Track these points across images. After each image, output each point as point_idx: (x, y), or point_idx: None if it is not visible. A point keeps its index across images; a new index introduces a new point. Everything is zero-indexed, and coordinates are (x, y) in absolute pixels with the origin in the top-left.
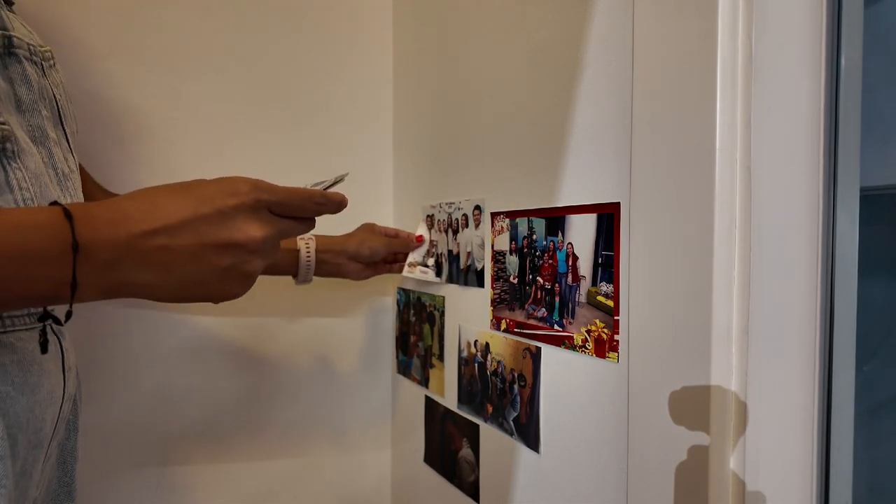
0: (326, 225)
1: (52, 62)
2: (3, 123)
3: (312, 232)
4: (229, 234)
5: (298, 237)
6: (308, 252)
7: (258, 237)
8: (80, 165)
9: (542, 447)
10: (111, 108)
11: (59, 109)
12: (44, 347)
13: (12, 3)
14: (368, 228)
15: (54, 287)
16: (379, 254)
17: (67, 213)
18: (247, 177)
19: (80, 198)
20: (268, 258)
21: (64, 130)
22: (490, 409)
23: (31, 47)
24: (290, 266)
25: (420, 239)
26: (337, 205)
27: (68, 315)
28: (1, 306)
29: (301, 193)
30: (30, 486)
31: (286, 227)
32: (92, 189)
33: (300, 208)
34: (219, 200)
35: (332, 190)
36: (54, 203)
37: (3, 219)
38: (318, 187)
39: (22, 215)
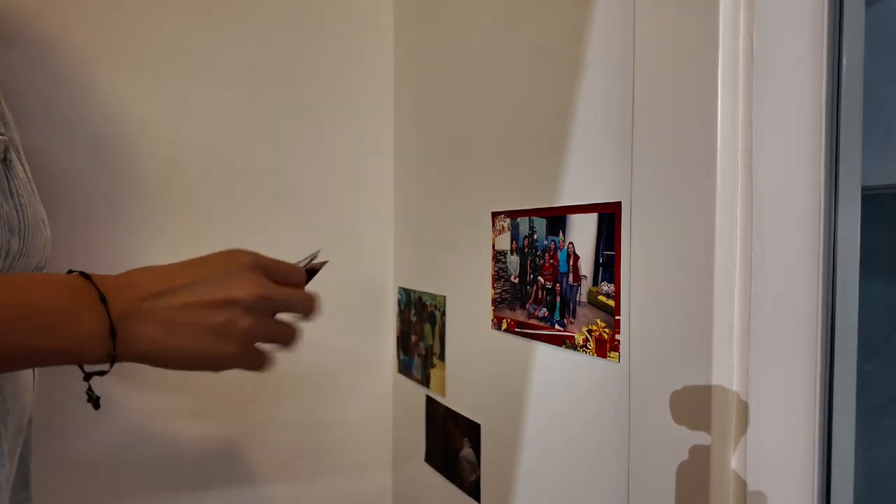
0: (334, 241)
1: None
2: (2, 134)
3: None
4: (226, 291)
5: None
6: None
7: (253, 293)
8: None
9: (542, 447)
10: (107, 113)
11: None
12: (96, 404)
13: None
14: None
15: (67, 342)
16: None
17: (84, 275)
18: (247, 249)
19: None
20: (262, 320)
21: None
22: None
23: None
24: None
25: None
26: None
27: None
28: (22, 359)
29: (288, 264)
30: (12, 471)
31: (280, 292)
32: None
33: (287, 272)
34: (219, 264)
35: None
36: (69, 271)
37: (29, 277)
38: (300, 264)
39: (42, 276)
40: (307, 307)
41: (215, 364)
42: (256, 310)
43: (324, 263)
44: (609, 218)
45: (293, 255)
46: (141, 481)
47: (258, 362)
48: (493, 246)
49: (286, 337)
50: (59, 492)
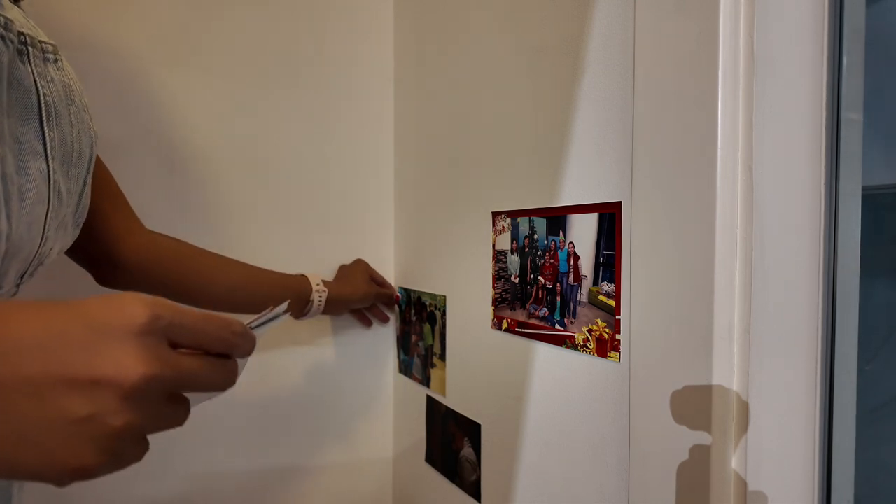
0: (325, 225)
1: (52, 56)
2: None
3: (322, 274)
4: (92, 364)
5: (315, 283)
6: (320, 304)
7: (137, 374)
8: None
9: (543, 447)
10: (111, 107)
11: (40, 105)
12: None
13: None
14: (363, 273)
15: None
16: (368, 303)
17: None
18: (146, 295)
19: (16, 207)
20: (147, 410)
21: (42, 131)
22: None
23: (7, 23)
24: (295, 310)
25: (397, 298)
26: (252, 345)
27: None
28: None
29: (217, 319)
30: None
31: (185, 368)
32: (124, 217)
33: (215, 338)
34: (94, 316)
35: (265, 327)
36: None
37: None
38: (253, 322)
39: None
40: (223, 382)
41: (58, 479)
42: (142, 397)
43: (275, 318)
44: (609, 218)
45: (291, 256)
46: (143, 486)
47: (130, 461)
48: (494, 246)
49: (176, 423)
50: None
